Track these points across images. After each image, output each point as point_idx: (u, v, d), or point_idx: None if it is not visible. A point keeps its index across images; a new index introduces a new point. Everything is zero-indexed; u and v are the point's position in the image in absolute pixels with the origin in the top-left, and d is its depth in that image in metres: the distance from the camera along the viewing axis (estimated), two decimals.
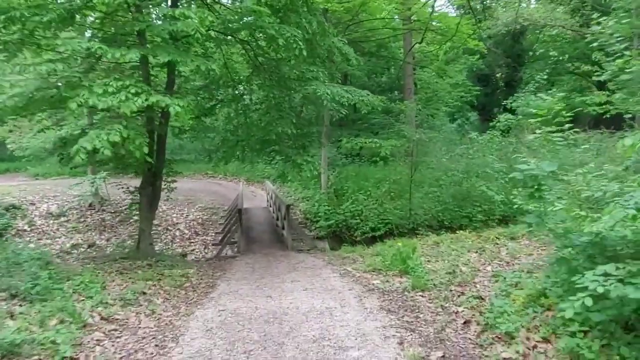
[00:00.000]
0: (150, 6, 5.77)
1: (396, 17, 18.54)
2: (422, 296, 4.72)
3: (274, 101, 8.05)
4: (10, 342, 3.15)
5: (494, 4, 26.53)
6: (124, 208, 14.20)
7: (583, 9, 20.40)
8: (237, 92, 8.61)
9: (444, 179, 11.79)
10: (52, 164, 20.88)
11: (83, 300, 4.45)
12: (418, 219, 11.58)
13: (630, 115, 8.72)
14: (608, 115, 10.07)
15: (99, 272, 5.88)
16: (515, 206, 4.86)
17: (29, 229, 14.31)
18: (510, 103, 11.27)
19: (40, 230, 14.41)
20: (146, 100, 4.61)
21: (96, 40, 5.78)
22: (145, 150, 4.86)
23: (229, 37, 7.87)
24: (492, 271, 5.53)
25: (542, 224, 3.74)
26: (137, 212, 7.88)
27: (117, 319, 4.14)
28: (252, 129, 8.51)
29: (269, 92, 8.05)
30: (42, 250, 6.41)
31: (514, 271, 5.34)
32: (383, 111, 18.21)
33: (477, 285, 4.96)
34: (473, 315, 4.04)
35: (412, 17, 16.25)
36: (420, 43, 15.13)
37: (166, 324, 4.15)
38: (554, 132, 4.33)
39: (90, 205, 15.50)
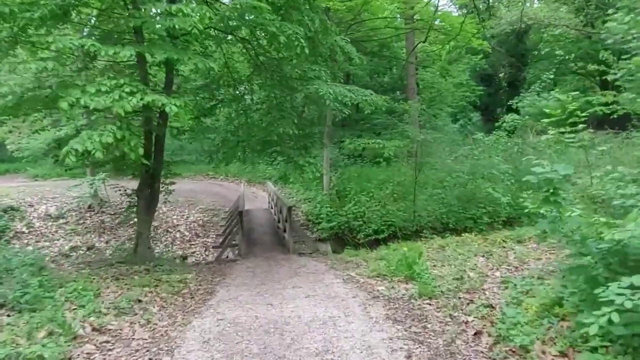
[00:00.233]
0: (148, 2, 5.57)
1: (398, 16, 18.35)
2: (430, 304, 4.51)
3: (275, 101, 7.86)
4: None
5: (496, 3, 26.33)
6: (123, 210, 14.02)
7: (587, 8, 20.19)
8: (237, 92, 8.42)
9: (449, 180, 11.58)
10: (51, 165, 20.74)
11: (75, 309, 4.26)
12: (422, 221, 11.38)
13: None
14: (616, 116, 9.86)
15: (93, 278, 5.71)
16: (526, 210, 4.66)
17: (27, 231, 14.16)
18: (516, 103, 11.06)
19: (38, 232, 14.26)
20: (141, 99, 4.42)
21: (92, 38, 5.59)
22: (141, 151, 4.67)
23: (229, 36, 7.70)
24: (501, 277, 5.33)
25: (557, 230, 3.54)
26: (135, 215, 7.68)
27: (110, 330, 3.95)
28: (253, 130, 8.33)
29: (270, 92, 7.86)
30: (36, 255, 6.21)
31: (524, 277, 5.14)
32: (386, 112, 18.00)
33: (487, 292, 4.76)
34: (484, 325, 3.83)
35: (414, 17, 16.06)
36: (424, 42, 14.91)
37: (161, 334, 3.96)
38: (567, 132, 4.12)
39: (89, 207, 15.35)
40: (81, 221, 15.03)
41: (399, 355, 3.37)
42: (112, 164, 7.09)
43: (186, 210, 15.83)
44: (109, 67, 7.87)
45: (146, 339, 3.84)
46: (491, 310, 4.13)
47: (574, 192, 4.13)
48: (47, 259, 12.53)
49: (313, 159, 7.94)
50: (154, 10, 5.62)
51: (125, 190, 8.24)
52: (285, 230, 10.33)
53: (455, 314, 4.15)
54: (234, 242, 10.75)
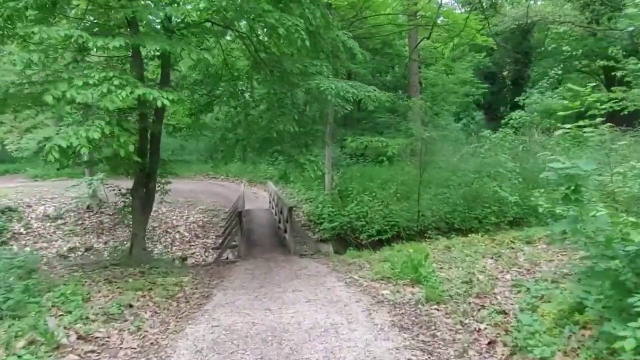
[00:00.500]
0: None
1: (401, 14, 18.07)
2: (438, 310, 4.24)
3: (275, 97, 7.60)
4: None
5: (500, 0, 25.97)
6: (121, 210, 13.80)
7: (593, 5, 19.84)
8: (236, 88, 8.16)
9: (454, 179, 11.29)
10: (50, 165, 20.53)
11: (61, 315, 4.01)
12: (426, 221, 11.10)
13: None
14: (626, 112, 9.58)
15: (85, 282, 5.47)
16: (541, 209, 4.39)
17: (24, 232, 13.98)
18: (523, 100, 10.76)
19: (36, 233, 14.08)
20: (131, 93, 4.17)
21: (80, 29, 5.34)
22: (131, 148, 4.42)
23: (228, 30, 7.45)
24: (512, 280, 5.05)
25: (578, 231, 3.27)
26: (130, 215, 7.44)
27: (97, 338, 3.70)
28: (252, 127, 8.07)
29: (270, 88, 7.60)
30: (27, 257, 5.98)
31: (537, 280, 4.87)
32: (388, 110, 17.73)
33: (498, 297, 4.48)
34: (498, 334, 3.56)
35: (418, 13, 15.78)
36: (427, 39, 14.62)
37: (152, 343, 3.70)
38: (585, 126, 3.84)
39: (88, 207, 15.16)
40: (79, 222, 14.84)
41: None
42: (105, 162, 6.83)
43: (186, 211, 15.61)
44: (104, 62, 7.65)
45: (135, 348, 3.58)
46: (505, 317, 3.86)
47: (590, 190, 3.84)
48: (44, 260, 12.36)
49: (314, 158, 7.68)
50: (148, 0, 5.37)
51: (119, 190, 8.00)
52: (286, 231, 10.08)
53: (466, 320, 3.88)
54: (233, 243, 10.51)
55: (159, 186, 7.38)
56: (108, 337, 3.75)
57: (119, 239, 13.80)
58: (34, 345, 3.30)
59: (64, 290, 4.50)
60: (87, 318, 4.01)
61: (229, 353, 3.44)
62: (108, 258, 11.83)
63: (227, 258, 10.03)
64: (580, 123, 3.81)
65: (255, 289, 5.54)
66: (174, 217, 15.18)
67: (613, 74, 9.79)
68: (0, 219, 13.98)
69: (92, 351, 3.46)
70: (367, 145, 11.65)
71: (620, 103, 9.16)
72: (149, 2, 5.71)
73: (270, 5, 5.47)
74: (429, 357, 3.23)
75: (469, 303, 4.32)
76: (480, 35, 14.45)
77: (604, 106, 4.01)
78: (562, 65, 12.43)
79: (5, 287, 4.12)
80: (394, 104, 12.29)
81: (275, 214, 13.11)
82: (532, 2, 22.26)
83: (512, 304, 4.21)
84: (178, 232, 14.39)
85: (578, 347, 3.09)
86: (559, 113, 3.94)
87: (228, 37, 9.20)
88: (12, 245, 13.22)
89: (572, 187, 3.13)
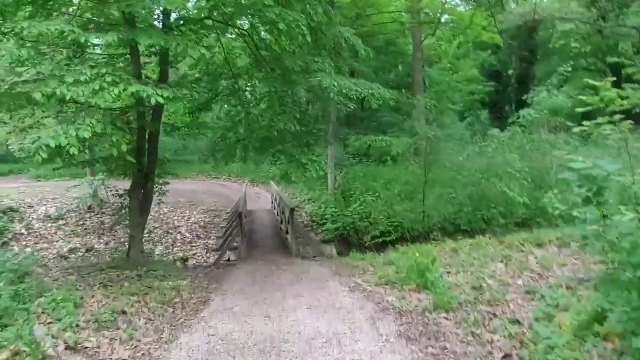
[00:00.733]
0: None
1: (404, 14, 17.81)
2: (447, 318, 4.01)
3: (276, 96, 7.40)
4: None
5: None
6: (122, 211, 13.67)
7: (600, 2, 19.50)
8: (237, 86, 7.97)
9: (460, 179, 11.03)
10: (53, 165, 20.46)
11: (51, 323, 3.82)
12: (431, 222, 10.85)
13: None
14: (638, 110, 9.29)
15: (80, 286, 5.28)
16: (557, 212, 4.14)
17: (26, 233, 13.90)
18: (532, 98, 10.48)
19: (38, 234, 14.00)
20: (124, 90, 3.98)
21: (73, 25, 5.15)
22: (124, 148, 4.22)
23: (229, 28, 7.26)
24: (525, 286, 4.79)
25: (600, 236, 3.03)
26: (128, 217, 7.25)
27: (87, 348, 3.50)
28: (253, 126, 7.87)
29: (271, 86, 7.40)
30: (21, 260, 5.82)
31: (551, 286, 4.62)
32: (392, 109, 17.46)
33: (511, 305, 4.24)
34: (513, 347, 3.32)
35: (422, 11, 15.54)
36: (433, 35, 14.35)
37: (143, 354, 3.50)
38: (605, 123, 3.58)
39: (89, 208, 15.07)
40: (81, 222, 14.75)
41: None
42: (102, 163, 6.66)
43: (187, 211, 15.47)
44: (104, 61, 7.46)
45: (126, 359, 3.39)
46: (519, 328, 3.62)
47: (613, 192, 3.59)
48: (45, 261, 12.27)
49: (317, 158, 7.47)
50: None
51: (117, 191, 7.82)
52: (288, 233, 9.89)
53: (478, 331, 3.64)
54: (235, 244, 10.33)
55: (156, 187, 7.20)
56: (98, 347, 3.55)
57: (120, 240, 13.66)
58: (18, 357, 3.11)
59: (55, 296, 4.31)
60: (77, 326, 3.82)
61: None
62: (108, 260, 11.69)
63: (228, 259, 9.85)
64: (600, 120, 3.56)
65: (255, 294, 5.34)
66: (176, 218, 15.04)
67: (623, 71, 9.50)
68: (2, 220, 13.91)
69: None
70: (371, 144, 11.43)
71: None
72: None
73: (271, 0, 5.27)
74: None
75: (480, 311, 4.08)
76: (487, 32, 14.16)
77: (624, 102, 3.75)
78: (571, 62, 12.11)
79: None
80: (398, 103, 12.05)
81: (278, 215, 12.93)
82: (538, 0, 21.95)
83: (526, 313, 3.97)
84: (179, 233, 14.25)
85: None
86: (576, 110, 3.69)
87: (229, 35, 9.02)
88: (13, 246, 13.14)
89: (594, 189, 2.89)
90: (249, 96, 8.36)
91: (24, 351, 3.22)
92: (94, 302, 4.61)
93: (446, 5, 14.86)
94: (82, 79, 3.91)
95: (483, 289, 4.71)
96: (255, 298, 5.11)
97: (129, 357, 3.44)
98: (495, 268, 5.64)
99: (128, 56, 6.83)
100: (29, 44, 5.38)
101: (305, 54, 7.32)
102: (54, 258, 12.89)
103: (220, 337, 3.80)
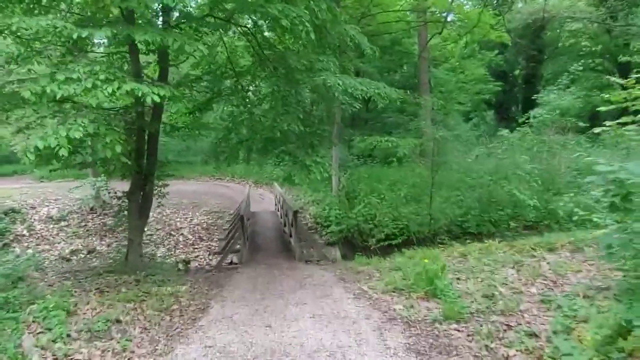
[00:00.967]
0: None
1: (410, 11, 17.57)
2: (458, 330, 3.78)
3: (279, 95, 7.20)
4: None
5: None
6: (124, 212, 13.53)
7: (609, 0, 19.14)
8: (239, 85, 7.78)
9: (468, 181, 10.76)
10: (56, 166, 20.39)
11: (41, 333, 3.63)
12: (437, 224, 10.60)
13: None
14: None
15: (74, 292, 5.11)
16: (575, 217, 3.92)
17: (27, 234, 13.79)
18: (542, 97, 10.20)
19: (39, 235, 13.88)
20: (118, 88, 3.79)
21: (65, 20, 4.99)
22: (119, 149, 4.03)
23: (231, 26, 7.06)
24: (539, 294, 4.56)
25: (628, 245, 2.80)
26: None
27: None
28: (256, 127, 7.67)
29: (274, 86, 7.20)
30: (15, 264, 5.67)
31: (567, 295, 4.38)
32: (397, 110, 17.22)
33: (525, 315, 4.00)
34: None
35: (428, 9, 15.30)
36: (440, 33, 14.08)
37: None
38: (630, 123, 3.36)
39: (91, 209, 14.95)
40: (83, 223, 14.63)
41: None
42: (99, 164, 6.48)
43: (190, 213, 15.32)
44: (102, 59, 7.30)
45: None
46: (537, 341, 3.39)
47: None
48: (45, 263, 12.15)
49: (320, 159, 7.25)
50: None
51: (115, 193, 7.63)
52: (291, 235, 9.68)
53: (492, 344, 3.41)
54: (237, 247, 10.13)
55: (155, 189, 7.01)
56: None
57: (122, 242, 13.52)
58: None
59: (47, 303, 4.13)
60: (68, 336, 3.64)
61: None
62: (110, 262, 11.54)
63: (231, 262, 9.66)
64: (623, 119, 3.33)
65: (256, 300, 5.13)
66: (178, 219, 14.90)
67: (635, 70, 9.22)
68: (3, 221, 13.82)
69: None
70: (376, 145, 11.20)
71: None
72: None
73: None
74: None
75: (493, 322, 3.85)
76: (494, 30, 13.88)
77: None
78: (582, 61, 11.81)
79: None
80: (404, 103, 11.81)
81: (281, 217, 12.73)
82: None
83: (542, 324, 3.74)
84: (182, 234, 14.09)
85: None
86: (598, 109, 3.46)
87: (231, 34, 8.85)
88: (14, 247, 13.05)
89: (622, 194, 2.66)
90: (252, 96, 8.18)
91: None
92: (88, 309, 4.43)
93: (453, 4, 14.57)
94: (74, 76, 3.74)
95: (495, 298, 4.49)
96: (256, 305, 4.90)
97: None
98: (507, 274, 5.41)
99: (122, 51, 6.68)
100: (20, 41, 5.21)
101: (309, 53, 7.11)
102: (55, 260, 12.78)
103: (218, 348, 3.60)
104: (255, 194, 18.10)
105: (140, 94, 3.86)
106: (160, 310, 4.67)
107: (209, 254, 12.74)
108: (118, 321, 4.12)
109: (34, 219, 14.43)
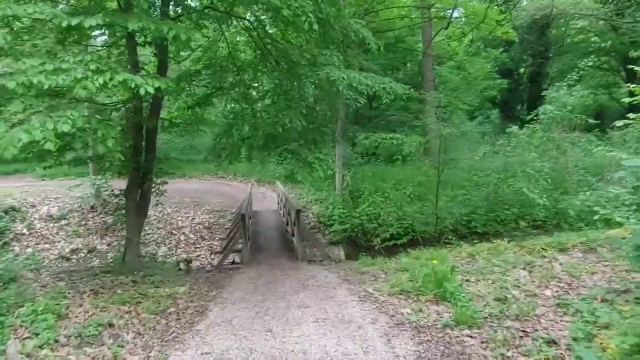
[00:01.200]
0: None
1: (414, 8, 17.30)
2: (471, 336, 3.55)
3: (280, 90, 6.97)
4: None
5: None
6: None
7: None
8: (240, 80, 7.56)
9: (474, 180, 10.50)
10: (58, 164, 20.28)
11: (27, 338, 3.43)
12: (442, 224, 10.35)
13: None
14: None
15: (67, 293, 4.90)
16: (596, 216, 3.68)
17: (27, 233, 13.64)
18: (551, 94, 9.93)
19: (39, 234, 13.74)
20: (110, 79, 3.58)
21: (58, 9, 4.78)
22: (110, 143, 3.82)
23: (231, 17, 6.85)
24: (554, 297, 4.32)
25: None
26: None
27: None
28: (258, 123, 7.46)
29: (275, 80, 6.98)
30: (9, 264, 5.48)
31: (584, 298, 4.14)
32: (401, 108, 16.96)
33: (542, 320, 3.77)
34: None
35: (433, 5, 15.03)
36: (446, 28, 13.81)
37: None
38: None
39: (92, 207, 14.79)
40: (83, 222, 14.48)
41: None
42: (94, 160, 6.27)
43: (191, 212, 15.14)
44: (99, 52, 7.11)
45: None
46: (556, 349, 3.16)
47: None
48: (45, 262, 12.00)
49: (324, 156, 7.03)
50: None
51: (112, 191, 7.44)
52: (293, 235, 9.47)
53: (509, 353, 3.18)
54: (239, 246, 9.94)
55: (154, 187, 6.81)
56: None
57: (122, 241, 13.35)
58: None
59: (36, 306, 3.93)
60: (56, 342, 3.44)
61: None
62: (109, 261, 11.37)
63: (232, 261, 9.46)
64: None
65: (256, 303, 4.91)
66: (179, 218, 14.73)
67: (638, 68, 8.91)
68: (3, 219, 13.69)
69: None
70: (381, 143, 10.96)
71: None
72: None
73: None
74: None
75: (508, 328, 3.62)
76: (500, 26, 13.60)
77: None
78: (592, 57, 11.52)
79: None
80: (409, 100, 11.56)
81: (283, 216, 12.53)
82: None
83: (560, 330, 3.51)
84: (183, 233, 13.92)
85: None
86: (622, 100, 3.21)
87: (233, 29, 8.65)
88: (14, 246, 12.93)
89: None
90: (253, 92, 7.96)
91: None
92: (80, 312, 4.23)
93: (458, 0, 14.29)
94: (64, 66, 3.53)
95: (508, 301, 4.25)
96: (257, 308, 4.68)
97: None
98: (518, 276, 5.19)
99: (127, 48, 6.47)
100: (8, 31, 5.01)
101: (312, 46, 6.90)
102: (55, 259, 12.64)
103: (215, 355, 3.38)
104: (258, 192, 17.91)
105: (133, 85, 3.65)
106: (156, 313, 4.47)
107: (211, 254, 12.56)
108: (111, 325, 3.91)
109: (34, 218, 14.29)
